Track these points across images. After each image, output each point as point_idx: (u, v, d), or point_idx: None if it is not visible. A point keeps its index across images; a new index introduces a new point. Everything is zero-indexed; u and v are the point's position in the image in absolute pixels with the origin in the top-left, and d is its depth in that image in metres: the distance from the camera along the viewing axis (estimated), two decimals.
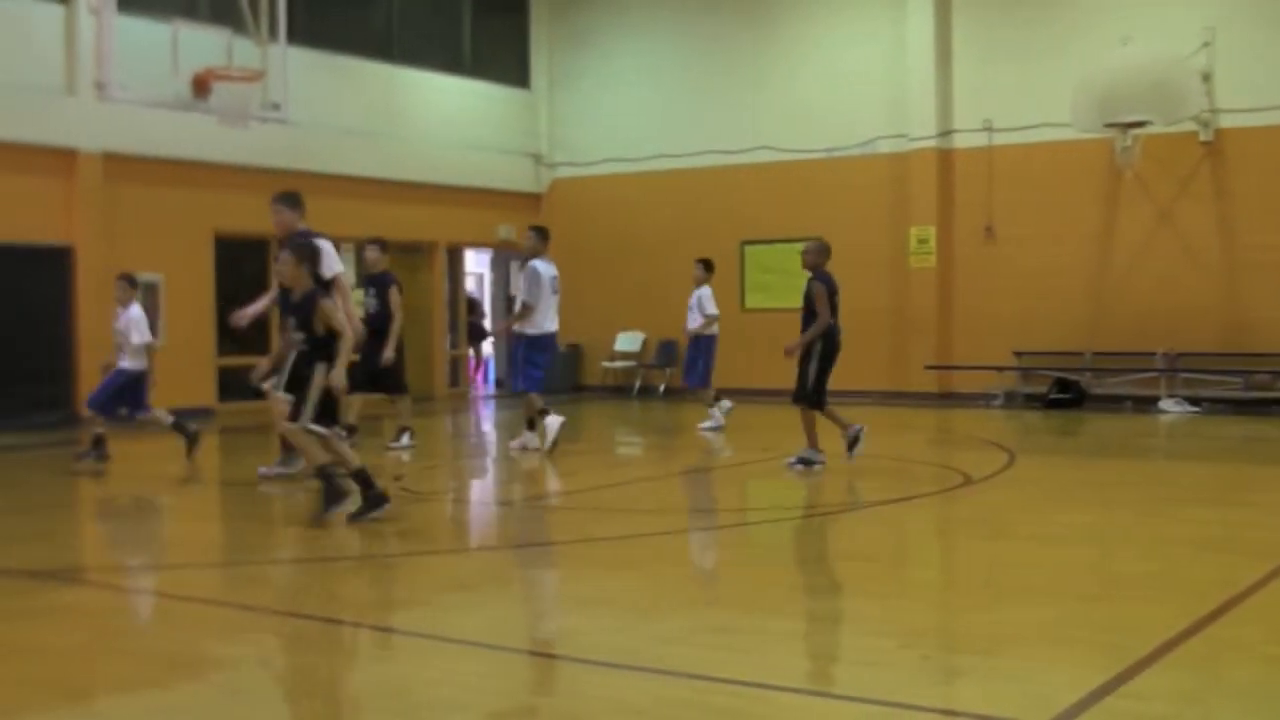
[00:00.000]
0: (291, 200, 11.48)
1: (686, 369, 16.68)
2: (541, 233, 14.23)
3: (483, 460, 14.55)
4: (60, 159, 17.12)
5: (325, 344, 9.31)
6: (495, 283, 26.46)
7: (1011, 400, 19.66)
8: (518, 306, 14.08)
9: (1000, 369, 19.92)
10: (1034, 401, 19.44)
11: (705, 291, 16.36)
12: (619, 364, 22.93)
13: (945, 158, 20.63)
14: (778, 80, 22.02)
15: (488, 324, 24.66)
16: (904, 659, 5.69)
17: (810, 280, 12.21)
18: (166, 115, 16.16)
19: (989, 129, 20.26)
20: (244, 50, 15.74)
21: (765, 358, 21.76)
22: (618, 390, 22.99)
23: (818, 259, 12.32)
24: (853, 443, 12.30)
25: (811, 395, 12.18)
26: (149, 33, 15.46)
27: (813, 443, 12.16)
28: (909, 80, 20.73)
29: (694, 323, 16.30)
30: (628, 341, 23.18)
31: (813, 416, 12.23)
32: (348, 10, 21.68)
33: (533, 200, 24.14)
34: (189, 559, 8.81)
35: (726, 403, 16.34)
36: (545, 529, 9.80)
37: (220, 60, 15.42)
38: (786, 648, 5.86)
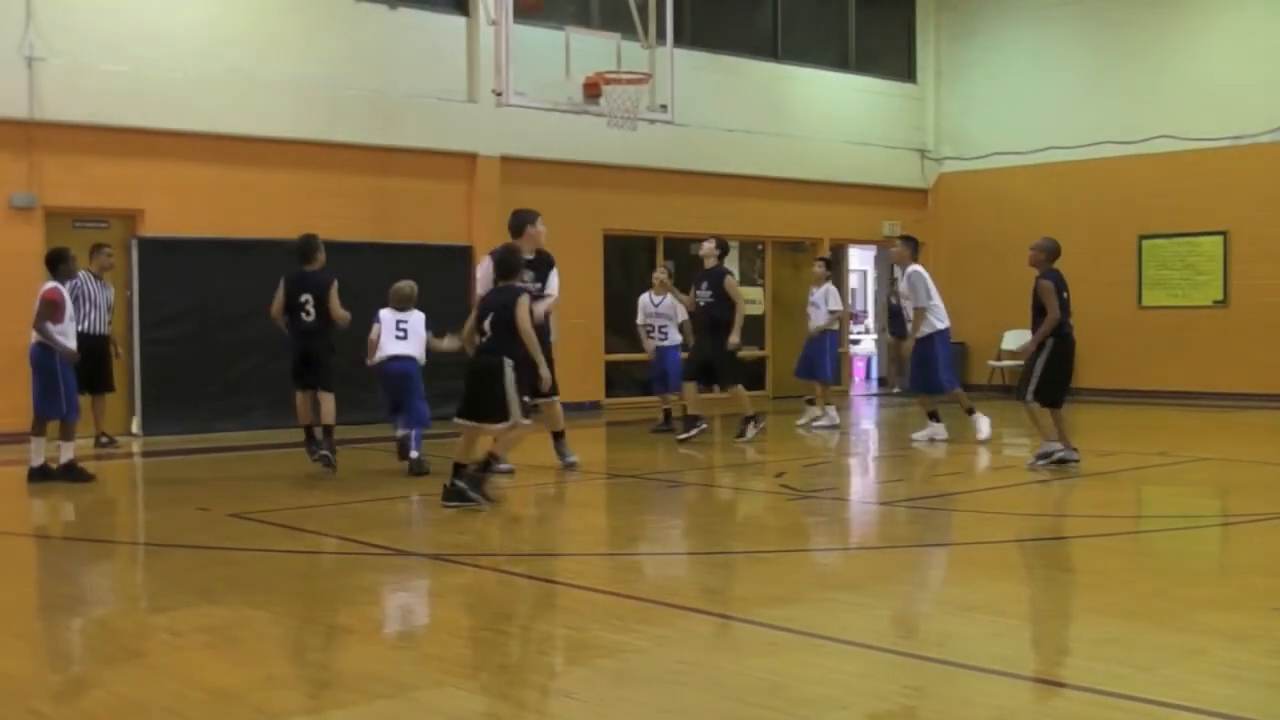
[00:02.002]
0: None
1: (813, 365, 16.35)
2: (914, 242, 15.15)
3: (863, 459, 14.43)
4: (462, 163, 18.03)
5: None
6: (878, 279, 26.23)
7: None
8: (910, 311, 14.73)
9: None
10: None
11: (830, 289, 16.32)
12: (1006, 363, 22.30)
13: None
14: (1179, 63, 20.86)
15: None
16: None
17: (1037, 279, 12.01)
18: (559, 119, 16.78)
19: None
20: (632, 54, 16.17)
21: (1164, 358, 20.79)
22: (1005, 389, 22.36)
23: (1037, 257, 12.21)
24: (1044, 456, 11.99)
25: (1038, 391, 11.97)
26: (543, 40, 16.09)
27: (1049, 435, 12.01)
28: None
29: (820, 319, 16.16)
30: (1015, 340, 22.46)
31: (1045, 412, 12.02)
32: (733, 11, 21.92)
33: (918, 196, 23.77)
34: (574, 547, 9.09)
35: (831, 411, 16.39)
36: (927, 530, 9.61)
37: (610, 64, 15.90)
38: (1183, 664, 5.52)
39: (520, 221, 11.96)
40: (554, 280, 11.91)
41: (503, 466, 12.04)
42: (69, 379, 11.33)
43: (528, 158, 18.33)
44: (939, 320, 14.53)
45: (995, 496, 10.94)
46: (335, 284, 12.07)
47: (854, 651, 5.89)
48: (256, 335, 15.88)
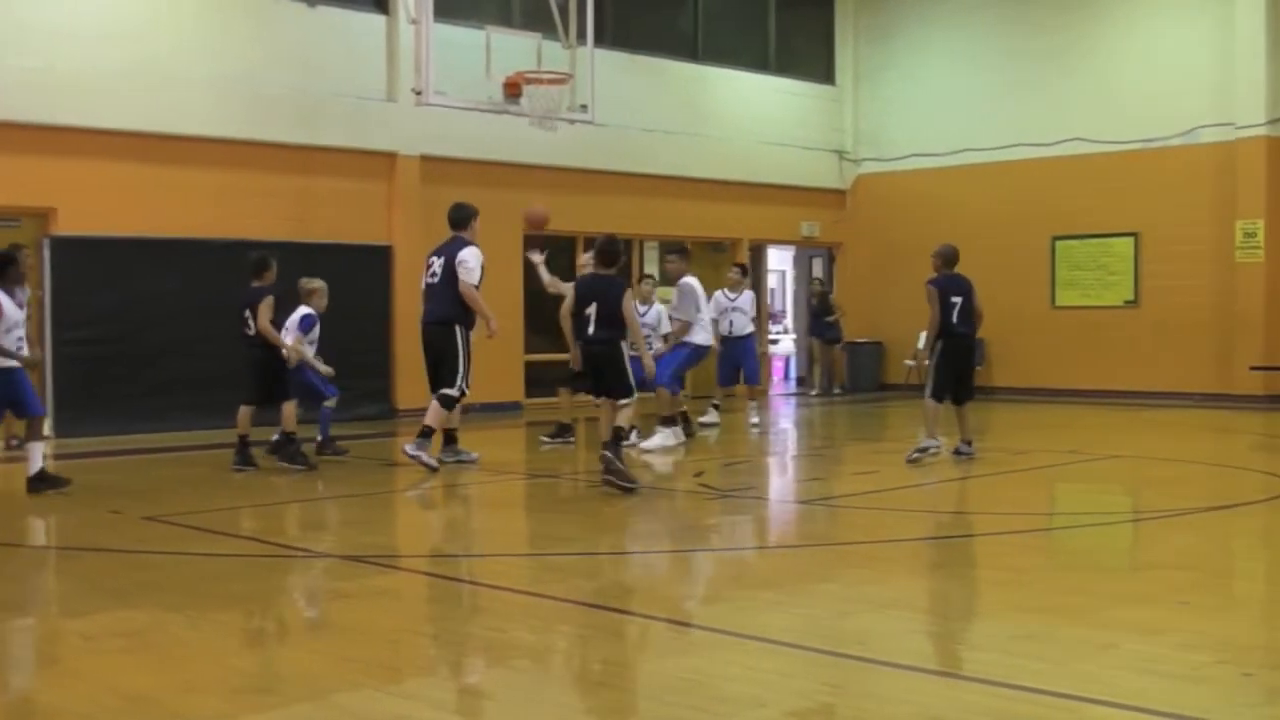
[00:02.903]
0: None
1: (740, 371, 16.50)
2: (688, 253, 15.43)
3: (781, 458, 14.52)
4: (381, 162, 17.91)
5: None
6: (797, 280, 26.39)
7: None
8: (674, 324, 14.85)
9: None
10: None
11: (750, 294, 16.66)
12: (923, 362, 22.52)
13: (1276, 146, 19.43)
14: (1091, 68, 21.21)
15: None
16: (1222, 675, 5.38)
17: (926, 283, 12.84)
18: (479, 118, 16.74)
19: None
20: (553, 54, 16.17)
21: (1076, 357, 21.11)
22: (921, 389, 22.58)
23: (935, 262, 12.95)
24: (956, 450, 12.76)
25: (934, 391, 12.78)
26: (464, 39, 16.03)
27: (931, 434, 12.59)
28: (1236, 64, 19.60)
29: (748, 325, 16.29)
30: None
31: (936, 413, 12.73)
32: (654, 12, 21.97)
33: (837, 197, 23.96)
34: (494, 548, 9.08)
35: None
36: (845, 528, 9.69)
37: (531, 64, 15.89)
38: (1095, 659, 5.62)
39: (467, 215, 12.50)
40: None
41: (471, 455, 12.43)
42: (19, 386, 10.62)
43: (448, 157, 18.24)
44: (700, 338, 14.80)
45: (912, 495, 11.06)
46: (266, 299, 12.27)
47: (773, 649, 5.94)
48: (176, 336, 15.74)
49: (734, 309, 16.25)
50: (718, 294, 16.37)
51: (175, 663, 5.77)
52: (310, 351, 12.87)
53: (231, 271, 15.96)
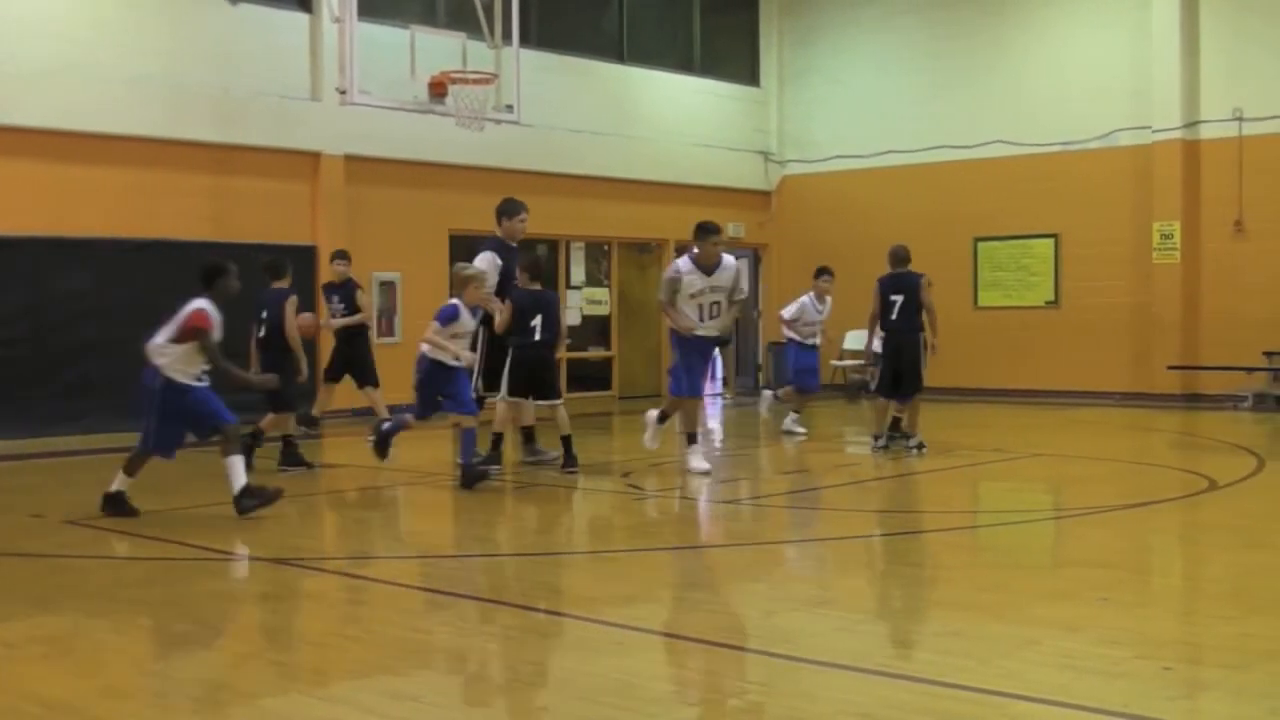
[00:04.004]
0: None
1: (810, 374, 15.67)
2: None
3: (708, 459, 14.54)
4: (305, 162, 17.77)
5: None
6: None
7: (1261, 403, 18.77)
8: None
9: (1250, 370, 19.04)
10: None
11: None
12: (848, 363, 22.68)
13: (1191, 149, 19.79)
14: (1013, 72, 21.48)
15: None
16: (1143, 669, 5.46)
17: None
18: (404, 118, 16.64)
19: (1239, 118, 19.37)
20: (478, 54, 16.10)
21: (999, 357, 21.35)
22: (847, 389, 22.76)
23: (888, 261, 13.50)
24: (877, 444, 13.34)
25: (874, 385, 13.74)
26: (388, 39, 15.96)
27: (879, 428, 13.43)
28: (1152, 69, 19.94)
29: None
30: (857, 340, 22.84)
31: (878, 408, 13.53)
32: (579, 12, 21.97)
33: (762, 198, 24.08)
34: (422, 550, 9.03)
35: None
36: (773, 527, 9.75)
37: (456, 64, 15.82)
38: (1019, 655, 5.69)
39: (498, 211, 12.43)
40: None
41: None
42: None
43: (372, 157, 18.15)
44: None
45: (837, 494, 11.14)
46: (290, 299, 12.20)
47: (703, 649, 5.96)
48: (94, 336, 15.49)
49: (821, 318, 15.78)
50: (805, 303, 15.71)
51: (97, 669, 5.70)
52: (456, 347, 11.15)
53: (148, 271, 15.80)
